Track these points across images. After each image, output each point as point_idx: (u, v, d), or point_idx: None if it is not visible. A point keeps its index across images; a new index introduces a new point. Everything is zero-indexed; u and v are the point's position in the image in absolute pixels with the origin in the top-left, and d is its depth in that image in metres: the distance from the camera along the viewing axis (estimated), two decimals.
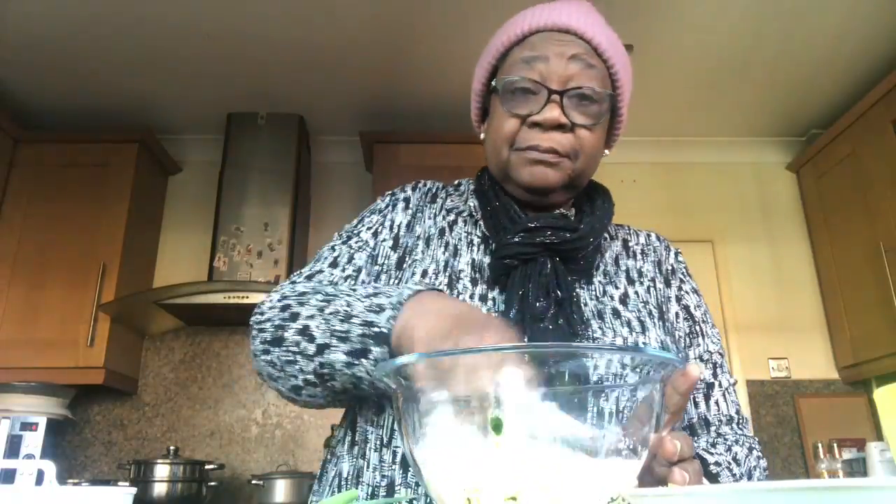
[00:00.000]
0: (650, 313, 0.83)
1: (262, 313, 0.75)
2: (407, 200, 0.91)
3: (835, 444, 2.61)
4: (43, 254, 2.59)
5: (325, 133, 3.11)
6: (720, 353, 0.88)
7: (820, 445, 2.61)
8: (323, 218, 3.03)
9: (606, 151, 0.88)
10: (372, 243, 0.86)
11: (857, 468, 2.46)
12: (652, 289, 0.87)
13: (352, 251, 0.85)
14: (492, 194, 0.85)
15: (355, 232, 0.88)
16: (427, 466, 0.42)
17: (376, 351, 0.63)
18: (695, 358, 0.85)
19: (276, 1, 2.27)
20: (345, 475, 0.76)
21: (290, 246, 2.69)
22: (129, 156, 2.74)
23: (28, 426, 2.20)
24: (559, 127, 0.77)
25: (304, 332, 0.69)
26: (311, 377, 0.70)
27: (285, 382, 0.72)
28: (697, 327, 0.88)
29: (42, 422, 2.21)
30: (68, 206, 2.65)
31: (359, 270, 0.83)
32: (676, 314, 0.87)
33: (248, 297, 2.43)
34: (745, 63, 2.62)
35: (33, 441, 2.18)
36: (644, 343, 0.78)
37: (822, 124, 3.02)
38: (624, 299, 0.83)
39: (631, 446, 0.41)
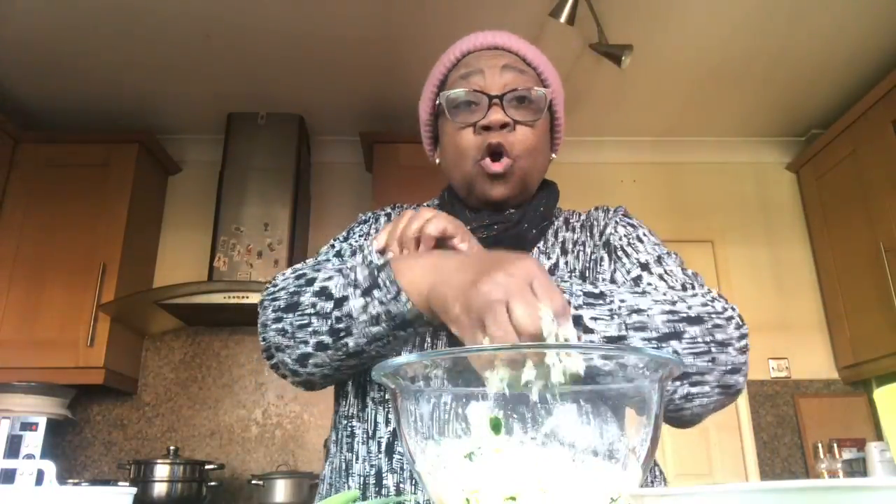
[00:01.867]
0: (570, 277, 0.84)
1: (275, 286, 0.78)
2: (389, 216, 0.97)
3: (835, 444, 2.61)
4: (43, 254, 2.59)
5: (325, 133, 3.11)
6: (658, 258, 0.81)
7: (820, 445, 2.61)
8: (323, 218, 3.03)
9: (553, 155, 0.95)
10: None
11: (857, 468, 2.46)
12: (581, 253, 0.87)
13: (353, 248, 0.91)
14: (450, 209, 0.91)
15: (348, 237, 0.94)
16: (426, 466, 0.42)
17: (382, 275, 0.67)
18: (622, 279, 0.79)
19: (276, 1, 2.27)
20: (334, 466, 0.80)
21: (290, 246, 2.69)
22: (129, 156, 2.75)
23: (28, 426, 2.20)
24: (503, 127, 0.84)
25: (322, 292, 0.71)
26: (324, 338, 0.70)
27: (293, 350, 0.72)
28: (619, 253, 0.82)
29: (42, 422, 2.22)
30: (68, 206, 2.65)
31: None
32: (600, 259, 0.84)
33: (248, 297, 2.43)
34: (745, 63, 2.62)
35: (33, 441, 2.18)
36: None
37: (822, 124, 3.02)
38: (553, 269, 0.86)
39: (630, 447, 0.41)
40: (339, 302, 0.69)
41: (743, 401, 2.84)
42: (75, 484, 2.40)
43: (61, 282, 2.55)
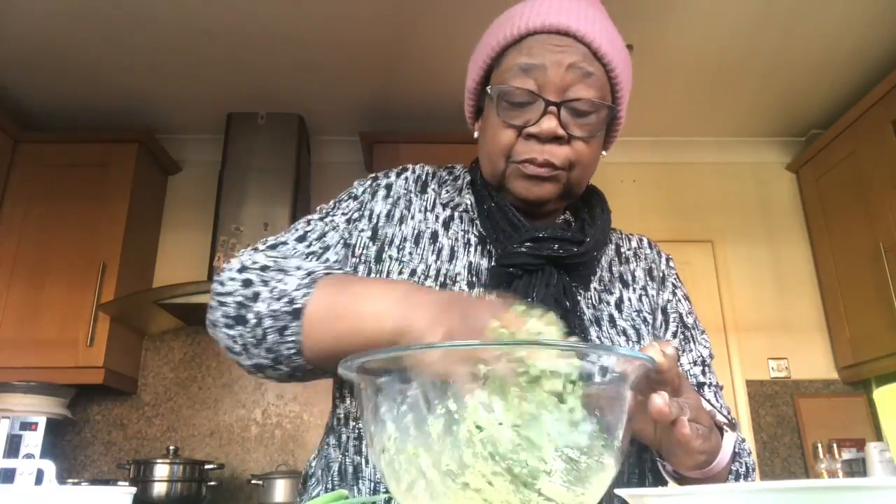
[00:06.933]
0: (644, 320, 0.84)
1: (222, 283, 0.72)
2: (389, 187, 0.87)
3: (834, 444, 2.61)
4: (43, 254, 2.59)
5: (325, 133, 3.11)
6: (710, 356, 0.88)
7: (820, 445, 2.61)
8: None
9: (604, 152, 0.87)
10: (342, 228, 0.83)
11: (857, 468, 2.46)
12: (644, 297, 0.87)
13: (325, 229, 0.82)
14: (486, 193, 0.83)
15: (330, 212, 0.85)
16: (394, 465, 0.41)
17: (292, 328, 0.66)
18: (689, 363, 0.85)
19: (276, 0, 2.27)
20: (336, 470, 0.75)
21: None
22: (129, 156, 2.74)
23: (28, 426, 2.20)
24: (556, 139, 0.75)
25: (258, 315, 0.68)
26: (266, 361, 0.69)
27: (246, 360, 0.71)
28: (690, 333, 0.88)
29: (42, 421, 2.22)
30: (68, 206, 2.65)
31: (326, 248, 0.80)
32: (662, 322, 0.87)
33: None
34: (745, 63, 2.62)
35: (33, 441, 2.18)
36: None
37: (822, 124, 3.02)
38: (619, 305, 0.83)
39: (603, 444, 0.41)
40: (266, 333, 0.67)
41: (742, 401, 2.84)
42: (75, 483, 2.40)
43: (61, 282, 2.55)
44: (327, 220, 0.84)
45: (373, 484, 0.71)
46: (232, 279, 0.71)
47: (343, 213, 0.84)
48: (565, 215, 0.88)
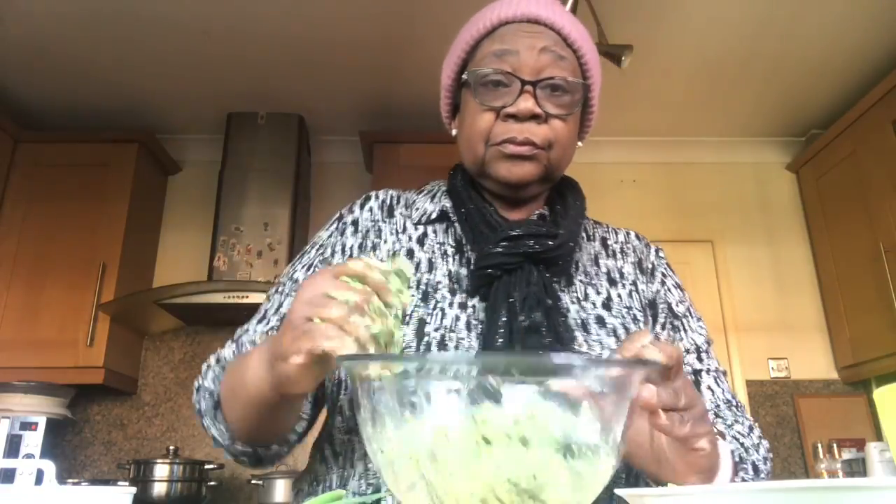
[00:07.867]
0: (634, 318, 0.82)
1: (204, 376, 0.79)
2: (356, 223, 0.88)
3: (834, 444, 2.61)
4: (43, 254, 2.59)
5: (325, 133, 3.11)
6: (707, 342, 0.87)
7: (820, 445, 2.61)
8: (323, 218, 3.00)
9: (579, 143, 0.88)
10: (302, 280, 0.82)
11: (857, 468, 2.46)
12: (634, 293, 0.85)
13: (281, 300, 0.83)
14: (465, 195, 0.83)
15: (291, 274, 0.86)
16: (393, 461, 0.41)
17: (219, 415, 0.76)
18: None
19: (276, 0, 2.27)
20: (327, 485, 0.76)
21: (290, 246, 2.69)
22: (129, 156, 2.75)
23: (28, 426, 2.20)
24: (534, 118, 0.77)
25: (205, 426, 0.78)
26: (244, 459, 0.78)
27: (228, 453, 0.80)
28: (679, 322, 0.86)
29: (42, 421, 2.22)
30: (68, 206, 2.65)
31: (282, 319, 0.78)
32: (652, 315, 0.86)
33: (247, 297, 2.43)
34: (745, 63, 2.62)
35: (33, 441, 2.18)
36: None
37: (822, 124, 3.02)
38: (607, 303, 0.82)
39: (603, 444, 0.41)
40: (213, 438, 0.77)
41: (742, 401, 2.84)
42: (75, 483, 2.40)
43: (61, 282, 2.55)
44: (282, 289, 0.85)
45: (357, 496, 0.71)
46: (205, 377, 0.79)
47: (304, 266, 0.86)
48: (541, 209, 0.87)
